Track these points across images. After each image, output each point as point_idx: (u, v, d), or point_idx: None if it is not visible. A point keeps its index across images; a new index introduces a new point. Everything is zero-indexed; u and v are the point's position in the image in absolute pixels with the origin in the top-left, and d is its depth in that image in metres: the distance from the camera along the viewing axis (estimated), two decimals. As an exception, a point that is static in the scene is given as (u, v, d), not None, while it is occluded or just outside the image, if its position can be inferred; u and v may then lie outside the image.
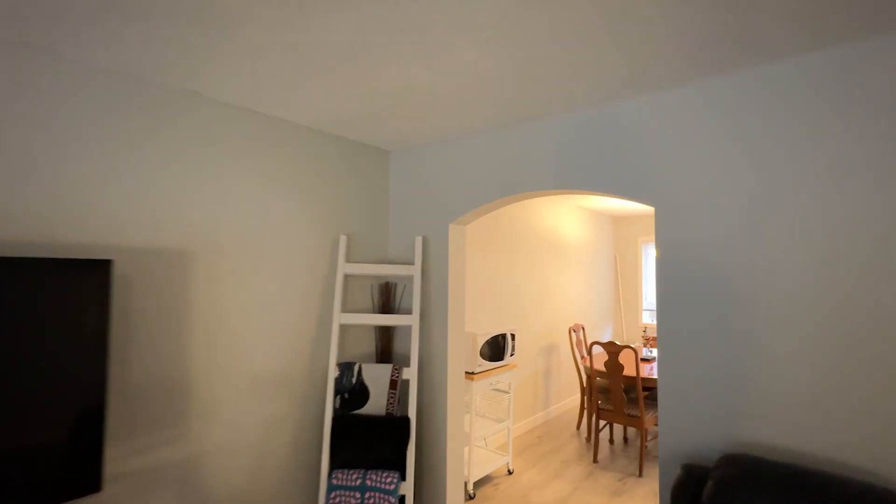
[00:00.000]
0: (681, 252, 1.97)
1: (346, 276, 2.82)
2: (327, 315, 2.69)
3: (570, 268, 5.48)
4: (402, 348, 2.99)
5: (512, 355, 3.59)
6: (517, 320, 4.48)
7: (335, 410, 2.52)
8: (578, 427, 4.62)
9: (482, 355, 3.27)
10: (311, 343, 2.61)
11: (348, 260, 2.83)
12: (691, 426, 1.90)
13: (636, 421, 3.66)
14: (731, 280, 1.85)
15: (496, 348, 3.42)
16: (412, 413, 2.56)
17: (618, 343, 3.67)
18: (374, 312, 2.98)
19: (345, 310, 2.79)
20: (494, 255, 4.16)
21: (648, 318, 6.41)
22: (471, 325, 3.78)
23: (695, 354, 1.91)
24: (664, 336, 1.99)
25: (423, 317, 2.85)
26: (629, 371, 3.78)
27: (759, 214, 1.81)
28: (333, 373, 2.56)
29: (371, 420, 2.46)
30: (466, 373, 3.22)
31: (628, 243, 6.58)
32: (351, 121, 2.50)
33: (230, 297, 2.25)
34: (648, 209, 5.76)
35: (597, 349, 4.93)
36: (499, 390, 3.62)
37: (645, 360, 4.30)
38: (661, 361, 2.00)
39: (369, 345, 2.97)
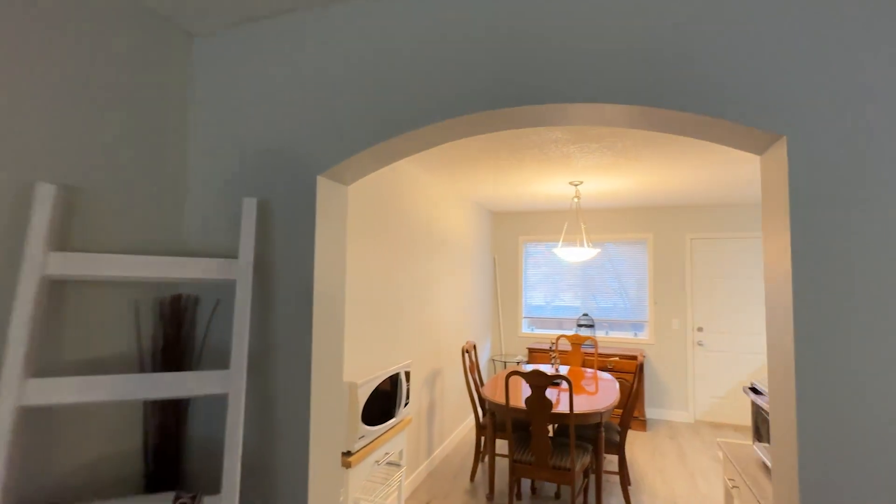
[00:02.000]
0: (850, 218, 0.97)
1: (53, 283, 1.18)
2: (-16, 387, 1.02)
3: (456, 270, 4.43)
4: (205, 446, 1.44)
5: (407, 404, 2.29)
6: (406, 345, 3.21)
7: None
8: (473, 477, 3.53)
9: (365, 418, 1.90)
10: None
11: (66, 245, 1.20)
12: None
13: (565, 476, 2.71)
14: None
15: (385, 400, 2.09)
16: None
17: (547, 373, 2.68)
18: (139, 368, 1.37)
19: (47, 370, 1.15)
20: (370, 252, 2.82)
21: (529, 328, 5.77)
22: (346, 367, 2.36)
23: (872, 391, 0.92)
24: (808, 368, 0.96)
25: (256, 369, 1.38)
26: (564, 408, 2.84)
27: None
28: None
29: None
30: (343, 455, 1.82)
31: (508, 243, 5.87)
32: None
33: None
34: (532, 205, 5.11)
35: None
36: (392, 464, 2.27)
37: (555, 384, 3.45)
38: (803, 415, 0.97)
39: (127, 441, 1.35)
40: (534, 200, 4.89)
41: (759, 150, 1.11)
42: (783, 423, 1.02)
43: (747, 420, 4.88)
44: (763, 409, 1.69)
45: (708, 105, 1.03)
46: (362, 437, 1.86)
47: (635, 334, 5.33)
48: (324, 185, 1.40)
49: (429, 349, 3.72)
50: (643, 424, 4.74)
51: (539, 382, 2.68)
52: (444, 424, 4.05)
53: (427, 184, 3.74)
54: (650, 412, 5.15)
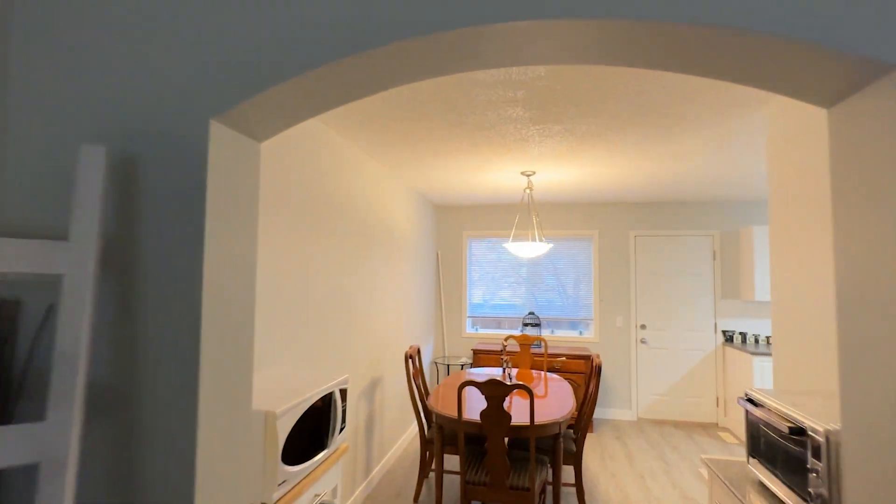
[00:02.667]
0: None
1: None
2: None
3: (398, 267, 4.02)
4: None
5: (342, 429, 1.86)
6: (343, 355, 2.74)
7: None
8: (417, 497, 3.16)
9: (287, 456, 1.45)
10: None
11: None
12: None
13: (524, 497, 2.42)
14: None
15: (315, 428, 1.65)
16: None
17: (507, 382, 2.37)
18: None
19: None
20: (298, 242, 2.34)
21: (473, 328, 5.49)
22: (259, 390, 1.85)
23: None
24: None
25: (106, 412, 0.90)
26: (520, 418, 2.53)
27: None
28: None
29: None
30: (250, 511, 1.36)
31: (452, 238, 5.54)
32: None
33: None
34: (478, 198, 4.82)
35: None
36: (320, 508, 1.82)
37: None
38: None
39: None
40: (481, 193, 4.60)
41: (835, 96, 0.84)
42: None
43: (688, 416, 4.93)
44: (764, 424, 1.46)
45: (791, 25, 0.72)
46: (283, 482, 1.41)
47: (580, 333, 5.23)
48: (221, 135, 0.95)
49: (369, 357, 3.28)
50: (590, 425, 4.62)
51: (496, 393, 2.35)
52: (385, 437, 3.63)
53: (368, 169, 3.29)
54: (596, 412, 5.07)
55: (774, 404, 1.40)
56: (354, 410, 3.03)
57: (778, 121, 2.15)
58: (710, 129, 2.60)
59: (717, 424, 4.85)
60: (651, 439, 4.41)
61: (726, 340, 4.86)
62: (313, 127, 2.50)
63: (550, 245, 3.66)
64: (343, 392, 1.84)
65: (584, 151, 3.08)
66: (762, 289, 4.55)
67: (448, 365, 4.98)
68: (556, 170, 3.59)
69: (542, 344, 4.38)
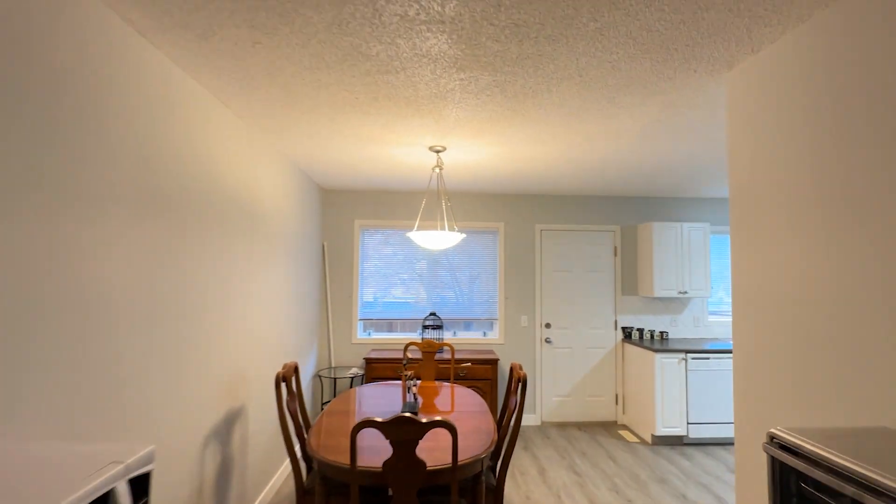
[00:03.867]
0: None
1: None
2: None
3: (272, 260, 3.12)
4: None
5: (140, 548, 1.03)
6: (161, 398, 1.82)
7: None
8: (291, 569, 2.35)
9: None
10: None
11: None
12: None
13: (441, 568, 1.79)
14: None
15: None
16: None
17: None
18: None
19: None
20: (67, 219, 1.41)
21: (366, 332, 4.73)
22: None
23: None
24: None
25: None
26: (436, 459, 1.88)
27: None
28: None
29: None
30: None
31: (341, 228, 4.71)
32: None
33: None
34: (373, 180, 4.09)
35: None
36: None
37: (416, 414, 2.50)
38: None
39: None
40: (377, 173, 3.87)
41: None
42: None
43: (589, 416, 4.78)
44: (813, 482, 1.01)
45: None
46: None
47: (484, 334, 4.79)
48: None
49: (223, 382, 2.37)
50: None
51: (407, 436, 1.68)
52: (248, 486, 2.73)
53: (219, 121, 2.37)
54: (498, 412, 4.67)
55: (841, 460, 0.94)
56: (199, 460, 2.12)
57: (741, 92, 1.81)
58: (659, 98, 2.24)
59: (616, 423, 4.78)
60: (558, 446, 4.13)
61: (625, 337, 4.81)
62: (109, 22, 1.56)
63: (463, 236, 3.10)
64: (140, 481, 1.01)
65: (507, 121, 2.56)
66: (660, 285, 4.56)
67: (335, 378, 4.17)
68: (470, 147, 3.03)
69: (449, 350, 3.80)
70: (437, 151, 3.06)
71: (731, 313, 5.30)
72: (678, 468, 3.69)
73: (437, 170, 3.01)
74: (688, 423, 4.16)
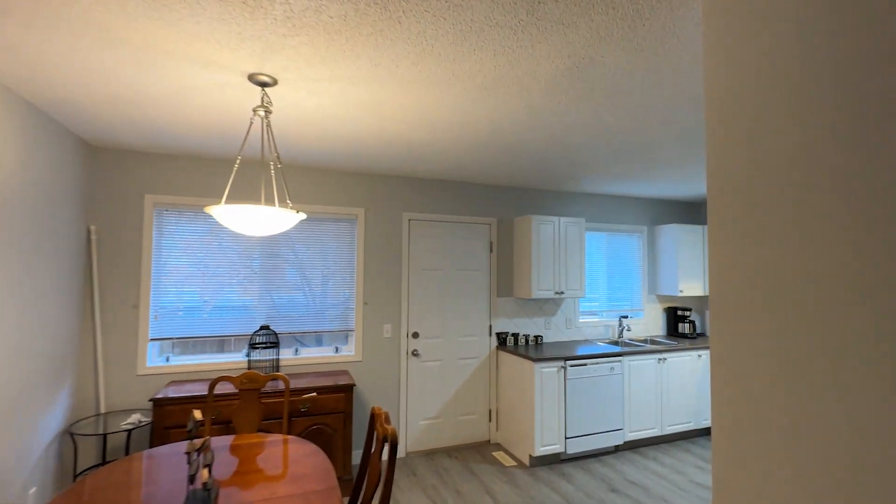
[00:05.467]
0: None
1: None
2: None
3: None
4: None
5: None
6: None
7: None
8: None
9: None
10: None
11: None
12: None
13: None
14: None
15: None
16: None
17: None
18: None
19: None
20: None
21: (161, 357, 3.30)
22: None
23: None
24: None
25: None
26: None
27: None
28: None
29: None
30: None
31: (122, 204, 3.20)
32: None
33: None
34: (168, 137, 2.77)
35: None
36: None
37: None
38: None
39: None
40: (179, 119, 2.58)
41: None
42: None
43: (461, 439, 4.10)
44: None
45: None
46: None
47: (337, 350, 3.77)
48: None
49: None
50: (350, 480, 3.22)
51: None
52: None
53: None
54: (356, 455, 3.71)
55: None
56: None
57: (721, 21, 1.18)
58: (598, 21, 1.54)
59: (489, 442, 4.20)
60: (427, 485, 3.34)
61: (500, 344, 4.27)
62: None
63: (302, 217, 2.06)
64: None
65: (372, 40, 1.63)
66: (538, 285, 4.10)
67: (105, 434, 2.72)
68: (316, 83, 2.02)
69: (283, 382, 2.69)
70: (263, 85, 1.97)
71: (600, 314, 5.34)
72: (561, 496, 3.21)
73: (263, 114, 1.93)
74: (566, 438, 3.76)
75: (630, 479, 3.47)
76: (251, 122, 1.98)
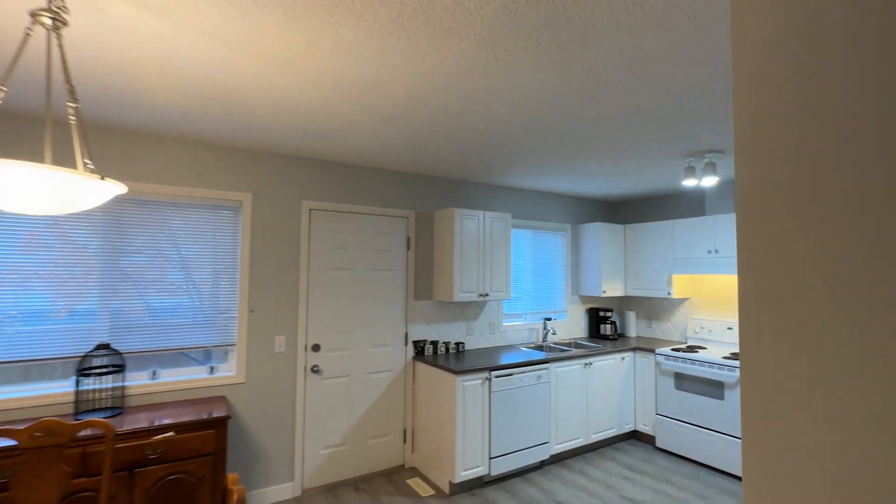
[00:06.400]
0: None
1: None
2: None
3: None
4: None
5: None
6: None
7: None
8: None
9: None
10: None
11: None
12: None
13: None
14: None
15: None
16: None
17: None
18: None
19: None
20: None
21: (-70, 395, 2.29)
22: None
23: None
24: None
25: None
26: None
27: None
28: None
29: None
30: None
31: None
32: None
33: None
34: None
35: None
36: None
37: None
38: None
39: None
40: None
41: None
42: None
43: (370, 467, 3.51)
44: None
45: None
46: None
47: (211, 371, 2.99)
48: None
49: None
50: (221, 547, 2.49)
51: None
52: None
53: None
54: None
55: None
56: None
57: None
58: None
59: (403, 467, 3.66)
60: (327, 535, 2.71)
61: (417, 354, 3.75)
62: None
63: (120, 190, 1.35)
64: None
65: None
66: (462, 286, 3.65)
67: None
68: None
69: (105, 431, 1.88)
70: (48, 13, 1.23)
71: (525, 316, 4.99)
72: (487, 532, 2.77)
73: (50, 23, 1.19)
74: (490, 459, 3.34)
75: (559, 501, 3.13)
76: (27, 35, 1.24)
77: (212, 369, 2.98)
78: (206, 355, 2.99)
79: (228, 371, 3.02)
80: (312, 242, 3.32)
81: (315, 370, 3.29)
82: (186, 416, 2.48)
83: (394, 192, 3.71)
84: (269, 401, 3.11)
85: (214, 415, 2.53)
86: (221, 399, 2.84)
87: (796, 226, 0.56)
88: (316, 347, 3.31)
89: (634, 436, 4.34)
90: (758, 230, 0.60)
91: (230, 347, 3.04)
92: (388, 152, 3.16)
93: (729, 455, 3.50)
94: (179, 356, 2.91)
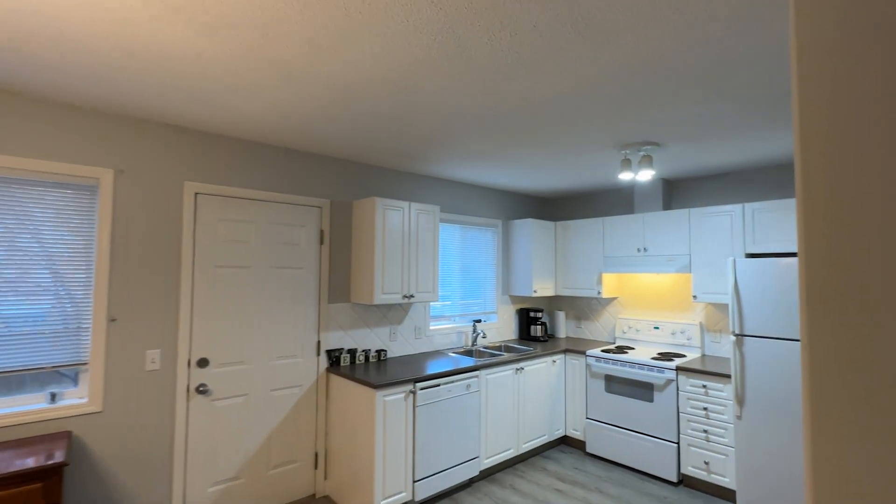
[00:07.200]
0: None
1: None
2: None
3: None
4: None
5: None
6: None
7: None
8: None
9: None
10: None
11: None
12: None
13: None
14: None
15: None
16: None
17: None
18: None
19: None
20: None
21: None
22: None
23: None
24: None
25: None
26: None
27: None
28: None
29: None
30: None
31: None
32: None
33: None
34: None
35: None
36: None
37: None
38: None
39: None
40: None
41: None
42: None
43: (275, 498, 2.97)
44: None
45: None
46: None
47: (53, 398, 2.29)
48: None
49: None
50: None
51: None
52: None
53: None
54: (82, 569, 2.29)
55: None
56: None
57: None
58: None
59: (314, 497, 3.16)
60: None
61: (332, 364, 3.26)
62: None
63: None
64: None
65: None
66: (384, 287, 3.22)
67: None
68: None
69: None
70: None
71: (453, 319, 4.62)
72: (410, 572, 2.38)
73: None
74: (413, 482, 2.95)
75: (490, 525, 2.83)
76: None
77: (53, 396, 2.28)
78: (46, 378, 2.28)
79: (78, 398, 2.34)
80: (199, 234, 2.71)
81: (202, 390, 2.69)
82: (3, 468, 1.82)
83: (305, 177, 3.19)
84: (137, 433, 2.47)
85: (47, 461, 1.88)
86: (63, 436, 2.17)
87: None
88: (203, 363, 2.71)
89: (565, 441, 4.19)
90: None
91: (82, 367, 2.36)
92: (296, 127, 2.65)
93: (657, 458, 3.43)
94: (9, 380, 2.19)
